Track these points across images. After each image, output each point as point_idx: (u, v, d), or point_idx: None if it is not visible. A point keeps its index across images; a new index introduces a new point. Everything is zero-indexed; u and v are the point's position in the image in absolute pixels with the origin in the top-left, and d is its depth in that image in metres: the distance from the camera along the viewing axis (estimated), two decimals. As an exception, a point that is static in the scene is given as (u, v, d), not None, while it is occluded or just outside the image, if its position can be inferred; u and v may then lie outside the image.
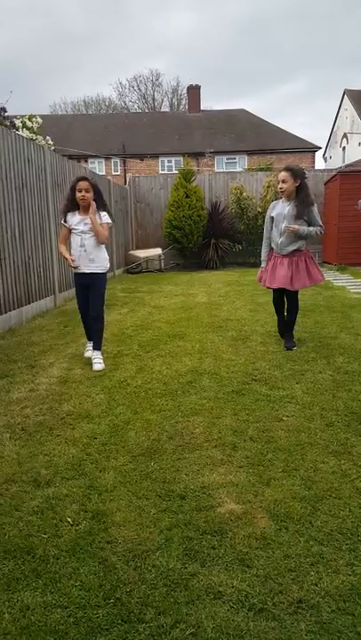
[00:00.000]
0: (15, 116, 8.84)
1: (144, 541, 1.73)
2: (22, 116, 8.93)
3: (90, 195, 3.62)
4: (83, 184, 3.62)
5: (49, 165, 6.53)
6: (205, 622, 1.39)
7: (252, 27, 56.80)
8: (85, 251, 3.70)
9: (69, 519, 1.87)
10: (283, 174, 3.83)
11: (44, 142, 8.67)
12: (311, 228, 3.85)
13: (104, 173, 22.05)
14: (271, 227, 3.99)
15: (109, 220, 3.76)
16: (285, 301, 4.13)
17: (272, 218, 3.96)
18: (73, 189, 3.67)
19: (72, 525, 1.83)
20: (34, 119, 9.03)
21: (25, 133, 8.37)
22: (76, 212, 3.73)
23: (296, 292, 4.05)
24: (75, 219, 3.72)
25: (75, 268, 3.73)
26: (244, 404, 2.94)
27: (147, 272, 10.80)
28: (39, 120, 9.18)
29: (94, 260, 3.74)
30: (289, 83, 59.19)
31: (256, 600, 1.46)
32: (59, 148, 12.39)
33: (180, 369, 3.63)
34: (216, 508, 1.91)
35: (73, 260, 3.71)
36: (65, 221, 3.76)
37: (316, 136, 56.89)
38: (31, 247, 5.87)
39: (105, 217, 3.72)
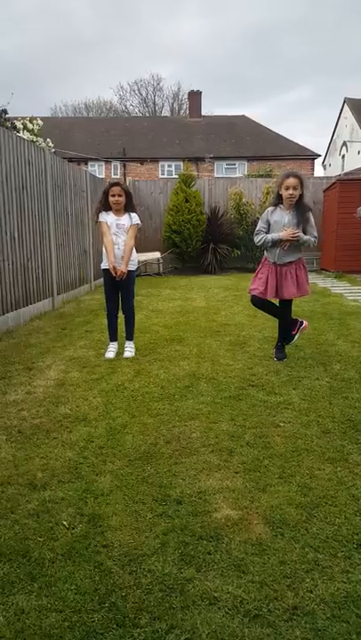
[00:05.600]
0: (16, 118, 8.87)
1: (140, 546, 1.73)
2: (23, 118, 8.97)
3: (122, 199, 3.95)
4: (116, 189, 3.92)
5: (49, 168, 6.54)
6: (201, 628, 1.39)
7: (259, 35, 57.33)
8: (119, 249, 3.99)
9: (65, 523, 1.86)
10: (293, 181, 3.57)
11: (44, 145, 8.71)
12: (306, 237, 3.66)
13: (104, 177, 22.11)
14: (267, 231, 3.78)
15: (139, 221, 4.10)
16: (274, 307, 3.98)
17: (269, 223, 3.75)
18: (106, 193, 3.97)
19: (68, 529, 1.83)
20: (34, 121, 9.07)
21: (26, 135, 8.40)
22: (110, 212, 4.01)
23: (291, 302, 4.02)
24: (109, 217, 4.00)
25: (117, 275, 3.95)
26: (241, 409, 2.95)
27: (145, 275, 10.81)
28: (40, 122, 9.22)
29: (124, 258, 4.00)
30: (292, 91, 59.68)
31: (251, 606, 1.46)
32: (59, 150, 12.43)
33: (178, 373, 3.63)
34: (212, 514, 1.91)
35: (114, 268, 3.94)
36: (100, 219, 4.01)
37: (318, 143, 57.40)
38: (30, 249, 5.87)
39: (135, 218, 4.05)
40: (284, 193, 3.64)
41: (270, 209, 3.81)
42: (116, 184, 3.98)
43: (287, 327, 4.03)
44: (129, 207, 4.02)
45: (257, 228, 3.87)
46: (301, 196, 3.68)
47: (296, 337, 4.00)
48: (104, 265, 4.09)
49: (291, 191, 3.60)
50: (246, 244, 11.42)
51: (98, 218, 4.03)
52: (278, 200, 3.75)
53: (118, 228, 3.99)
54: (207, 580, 1.57)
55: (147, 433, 2.64)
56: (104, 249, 4.06)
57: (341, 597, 1.49)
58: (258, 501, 1.99)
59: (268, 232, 3.80)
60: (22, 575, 1.60)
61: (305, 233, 3.71)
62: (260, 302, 3.95)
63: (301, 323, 4.03)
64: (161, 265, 11.26)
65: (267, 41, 59.16)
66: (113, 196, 3.93)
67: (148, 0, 55.66)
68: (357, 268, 9.82)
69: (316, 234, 3.74)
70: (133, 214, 4.04)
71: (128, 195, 3.99)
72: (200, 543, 1.74)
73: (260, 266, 3.92)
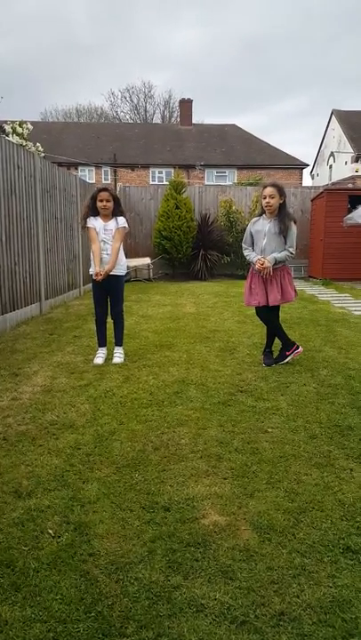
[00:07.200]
0: (5, 122, 8.84)
1: (127, 553, 1.72)
2: (13, 122, 8.94)
3: (110, 204, 3.96)
4: (104, 194, 3.93)
5: (39, 172, 6.53)
6: (187, 635, 1.38)
7: (251, 46, 58.41)
8: (107, 254, 3.98)
9: (51, 531, 1.84)
10: (270, 190, 3.75)
11: (34, 149, 8.68)
12: (281, 255, 3.77)
13: (94, 182, 22.09)
14: (252, 242, 3.91)
15: (126, 225, 4.07)
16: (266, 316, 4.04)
17: (252, 234, 3.88)
18: (94, 198, 3.96)
19: (53, 537, 1.81)
20: (24, 125, 9.04)
21: (15, 139, 8.37)
22: (98, 217, 4.00)
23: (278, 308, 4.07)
24: (97, 223, 3.99)
25: (97, 278, 3.92)
26: (230, 415, 2.95)
27: (135, 281, 10.80)
28: (29, 126, 9.19)
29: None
30: (283, 102, 60.61)
31: (238, 612, 1.46)
32: (49, 155, 12.40)
33: (167, 379, 3.62)
34: (200, 520, 1.90)
35: (100, 274, 3.92)
36: (88, 224, 4.00)
37: (307, 153, 58.20)
38: (18, 253, 5.83)
39: (122, 221, 4.04)
40: (263, 202, 3.83)
41: (253, 220, 3.98)
42: (104, 189, 3.98)
43: (276, 335, 4.08)
44: (117, 212, 4.03)
45: (243, 242, 4.04)
46: (283, 204, 3.81)
47: (288, 359, 4.04)
48: (92, 270, 4.08)
49: (267, 199, 3.77)
50: (236, 250, 11.47)
51: (86, 223, 4.02)
52: (263, 210, 3.90)
53: (106, 234, 3.99)
54: (194, 587, 1.56)
55: (135, 439, 2.62)
56: (92, 254, 4.05)
57: (328, 602, 1.50)
58: (246, 507, 1.99)
59: (252, 242, 3.94)
60: (6, 585, 1.58)
61: (286, 241, 3.81)
62: (263, 312, 4.02)
63: (297, 347, 4.09)
64: (151, 271, 11.26)
65: (259, 52, 60.27)
66: (101, 201, 3.93)
67: (144, 8, 56.32)
68: (344, 275, 9.94)
69: (292, 247, 3.83)
70: (120, 218, 4.03)
71: (116, 200, 4.00)
72: (188, 550, 1.73)
73: (250, 277, 3.98)
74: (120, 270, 4.09)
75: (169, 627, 1.41)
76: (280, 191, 3.77)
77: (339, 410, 3.02)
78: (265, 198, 3.78)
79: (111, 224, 4.00)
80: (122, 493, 2.09)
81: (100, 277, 3.90)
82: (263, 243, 3.81)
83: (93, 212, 4.00)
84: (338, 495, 2.08)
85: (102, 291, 4.10)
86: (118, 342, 4.23)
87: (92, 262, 4.08)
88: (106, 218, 4.00)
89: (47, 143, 15.99)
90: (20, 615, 1.45)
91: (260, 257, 3.79)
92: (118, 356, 4.15)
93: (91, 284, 4.26)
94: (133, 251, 12.13)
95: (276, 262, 3.80)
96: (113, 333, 4.23)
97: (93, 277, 3.99)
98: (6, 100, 9.27)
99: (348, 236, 9.80)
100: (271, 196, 3.75)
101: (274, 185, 3.81)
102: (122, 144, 25.60)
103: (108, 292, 4.11)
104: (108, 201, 3.93)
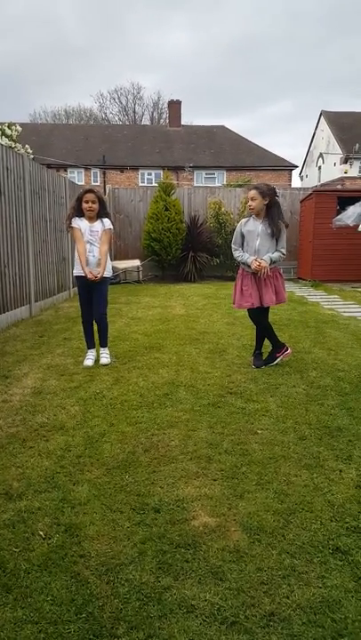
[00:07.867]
0: (-6, 123, 8.78)
1: (117, 555, 1.72)
2: (1, 124, 8.88)
3: (96, 206, 3.95)
4: (90, 196, 3.92)
5: (28, 174, 6.49)
6: (178, 636, 1.39)
7: (242, 48, 58.92)
8: (93, 256, 3.99)
9: (41, 533, 1.84)
10: (252, 192, 3.85)
11: (23, 151, 8.63)
12: (275, 255, 3.83)
13: (83, 183, 22.03)
14: (242, 243, 3.95)
15: (111, 225, 4.10)
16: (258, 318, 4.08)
17: (243, 235, 3.92)
18: (79, 200, 3.95)
19: (44, 539, 1.80)
20: (13, 127, 8.99)
21: (4, 141, 8.32)
22: (83, 218, 3.99)
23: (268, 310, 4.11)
24: (82, 223, 3.97)
25: (92, 278, 3.92)
26: (220, 416, 2.97)
27: (125, 283, 10.79)
28: (18, 128, 9.14)
29: (100, 264, 4.02)
30: (273, 103, 61.27)
31: (228, 613, 1.47)
32: (38, 156, 12.34)
33: (157, 381, 3.63)
34: (190, 521, 1.92)
35: (92, 274, 3.94)
36: (73, 224, 3.99)
37: (296, 155, 59.00)
38: (7, 255, 5.79)
39: (107, 222, 4.05)
40: (248, 205, 3.90)
41: (243, 220, 4.01)
42: (90, 191, 3.97)
43: (266, 336, 4.10)
44: (102, 214, 4.02)
45: (232, 243, 4.03)
46: (270, 205, 3.84)
47: (278, 360, 4.06)
48: (77, 272, 4.05)
49: (250, 202, 3.85)
50: (225, 252, 11.54)
51: (71, 223, 3.99)
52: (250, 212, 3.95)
53: (92, 236, 3.97)
54: (185, 588, 1.57)
55: (125, 441, 2.63)
56: (76, 255, 4.03)
57: (317, 602, 1.52)
58: (235, 508, 2.00)
59: (243, 243, 3.95)
60: (-4, 588, 1.57)
61: (278, 242, 3.87)
62: (255, 314, 4.05)
63: (287, 349, 4.11)
64: (141, 273, 11.25)
65: (249, 54, 60.82)
66: (87, 202, 3.92)
67: (134, 10, 56.39)
68: (333, 277, 10.05)
69: (284, 247, 3.90)
70: (105, 219, 4.02)
71: (102, 202, 3.99)
72: (178, 551, 1.74)
73: (241, 279, 3.99)
74: (106, 272, 4.08)
75: (159, 627, 1.42)
76: (262, 193, 3.80)
77: (328, 411, 3.06)
78: (249, 201, 3.88)
79: (97, 225, 3.99)
80: (112, 495, 2.10)
81: (94, 277, 3.90)
82: (257, 243, 3.84)
83: (79, 213, 3.98)
84: (327, 496, 2.10)
85: (88, 293, 4.09)
86: (103, 343, 4.21)
87: (76, 263, 4.05)
88: (91, 219, 3.99)
89: (36, 145, 15.91)
90: (12, 616, 1.45)
91: (255, 257, 3.82)
92: (105, 356, 4.14)
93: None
94: (123, 253, 12.11)
95: (271, 262, 3.83)
96: (98, 335, 4.21)
97: (88, 278, 3.93)
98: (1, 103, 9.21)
99: (337, 237, 9.90)
100: (253, 199, 3.82)
101: (255, 187, 3.88)
102: (111, 146, 25.56)
103: (93, 293, 4.09)
104: (93, 202, 3.92)
